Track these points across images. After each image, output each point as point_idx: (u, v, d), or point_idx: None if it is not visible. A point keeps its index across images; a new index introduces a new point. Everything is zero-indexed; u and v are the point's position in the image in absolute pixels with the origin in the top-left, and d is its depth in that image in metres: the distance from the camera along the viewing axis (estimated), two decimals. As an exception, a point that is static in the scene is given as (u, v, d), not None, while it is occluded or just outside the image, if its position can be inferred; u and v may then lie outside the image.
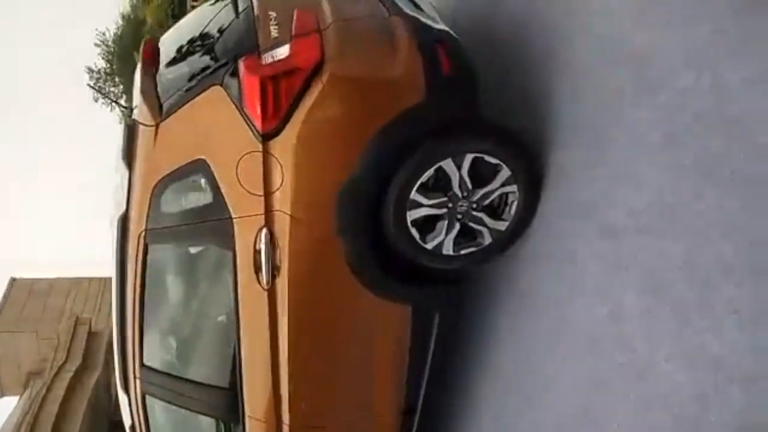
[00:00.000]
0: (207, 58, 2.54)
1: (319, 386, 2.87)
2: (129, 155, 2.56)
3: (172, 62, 2.73)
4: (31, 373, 13.22)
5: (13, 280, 17.75)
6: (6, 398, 14.59)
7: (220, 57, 2.46)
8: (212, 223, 2.52)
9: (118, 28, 26.84)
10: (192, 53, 2.69)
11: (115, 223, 2.67)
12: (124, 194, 2.59)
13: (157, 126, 2.50)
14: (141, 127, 2.54)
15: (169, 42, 2.95)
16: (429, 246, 2.63)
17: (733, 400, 1.82)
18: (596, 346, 2.36)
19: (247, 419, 2.91)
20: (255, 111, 2.31)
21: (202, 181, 2.48)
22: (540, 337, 2.71)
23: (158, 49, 2.85)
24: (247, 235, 2.48)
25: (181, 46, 2.77)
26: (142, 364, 2.92)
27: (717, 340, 1.86)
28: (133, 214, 2.60)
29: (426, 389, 3.06)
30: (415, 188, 2.49)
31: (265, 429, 2.90)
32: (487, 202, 2.61)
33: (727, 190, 1.83)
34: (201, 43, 2.69)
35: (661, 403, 2.06)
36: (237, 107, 2.35)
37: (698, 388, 1.92)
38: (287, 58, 2.32)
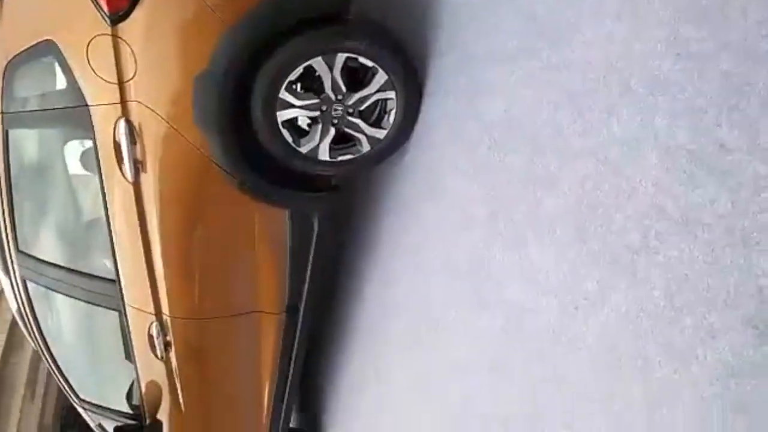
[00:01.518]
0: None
1: (197, 279, 2.87)
2: None
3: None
4: None
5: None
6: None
7: None
8: (69, 110, 2.40)
9: None
10: None
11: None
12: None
13: (1, 2, 2.33)
14: None
15: None
16: (303, 150, 2.54)
17: (549, 309, 1.87)
18: (450, 251, 2.39)
19: (127, 308, 2.95)
20: (99, -11, 2.15)
21: (54, 64, 2.34)
22: (410, 241, 2.74)
23: None
24: (106, 126, 2.38)
25: None
26: (18, 250, 2.91)
27: (538, 250, 1.88)
28: (-11, 97, 2.48)
29: (309, 287, 3.09)
30: (283, 87, 2.37)
31: (145, 318, 2.96)
32: (363, 107, 2.51)
33: (560, 103, 1.77)
34: None
35: (485, 303, 2.15)
36: None
37: (517, 300, 1.99)
38: None
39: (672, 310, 1.47)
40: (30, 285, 3.05)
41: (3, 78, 2.43)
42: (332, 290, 3.61)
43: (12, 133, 2.56)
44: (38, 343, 3.32)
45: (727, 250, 1.34)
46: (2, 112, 2.50)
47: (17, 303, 3.16)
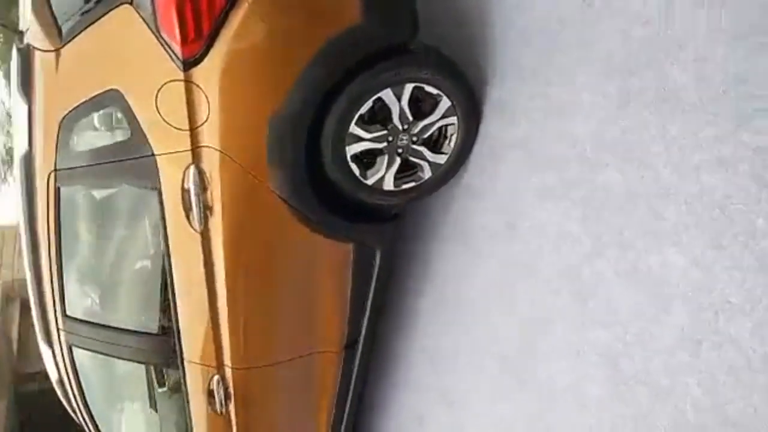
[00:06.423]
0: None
1: (261, 327, 2.78)
2: (26, 85, 2.26)
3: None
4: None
5: None
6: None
7: None
8: (133, 161, 2.30)
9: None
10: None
11: (18, 163, 2.40)
12: (25, 130, 2.31)
13: (57, 51, 2.21)
14: (37, 53, 2.24)
15: None
16: (369, 182, 2.52)
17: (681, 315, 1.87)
18: (545, 272, 2.38)
19: (186, 364, 2.81)
20: (173, 34, 2.05)
21: (118, 114, 2.24)
22: (470, 267, 2.72)
23: None
24: (174, 174, 2.29)
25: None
26: (65, 315, 2.73)
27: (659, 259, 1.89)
28: (39, 152, 2.34)
29: (369, 321, 3.03)
30: (353, 121, 2.35)
31: (206, 372, 2.83)
32: (427, 135, 2.51)
33: (669, 117, 1.81)
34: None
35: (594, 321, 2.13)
36: (152, 30, 2.09)
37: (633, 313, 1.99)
38: None
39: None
40: (76, 351, 2.86)
41: (58, 132, 2.29)
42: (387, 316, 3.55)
43: (64, 190, 2.42)
44: (81, 415, 3.11)
45: None
46: (56, 169, 2.36)
47: (59, 372, 2.96)
